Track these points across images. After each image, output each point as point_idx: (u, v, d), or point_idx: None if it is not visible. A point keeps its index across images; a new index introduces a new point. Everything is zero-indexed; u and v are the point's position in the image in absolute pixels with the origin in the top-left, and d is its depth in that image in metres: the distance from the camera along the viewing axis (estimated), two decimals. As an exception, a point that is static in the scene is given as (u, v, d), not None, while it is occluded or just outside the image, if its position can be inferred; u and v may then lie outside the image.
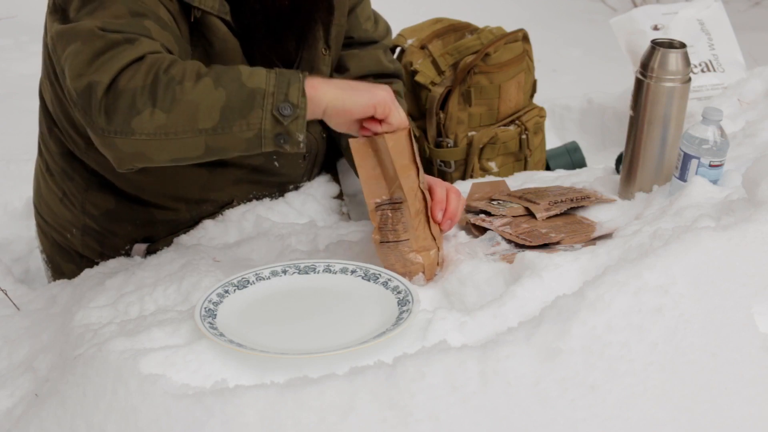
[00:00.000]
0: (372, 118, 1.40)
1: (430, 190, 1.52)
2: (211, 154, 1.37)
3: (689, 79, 1.63)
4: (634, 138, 1.68)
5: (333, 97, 1.39)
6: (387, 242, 1.45)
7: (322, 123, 1.87)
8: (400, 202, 1.42)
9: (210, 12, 1.55)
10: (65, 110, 1.68)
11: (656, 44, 1.62)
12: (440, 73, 2.15)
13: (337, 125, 1.43)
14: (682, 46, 1.61)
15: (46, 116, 1.76)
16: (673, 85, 1.61)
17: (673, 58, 1.60)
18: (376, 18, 1.99)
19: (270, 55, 1.65)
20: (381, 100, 1.38)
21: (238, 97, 1.33)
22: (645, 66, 1.62)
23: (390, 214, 1.43)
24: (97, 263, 1.80)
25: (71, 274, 1.82)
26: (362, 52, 1.93)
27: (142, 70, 1.35)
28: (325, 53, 1.76)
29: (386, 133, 1.40)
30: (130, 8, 1.43)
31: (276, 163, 1.83)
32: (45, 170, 1.84)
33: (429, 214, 1.48)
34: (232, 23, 1.58)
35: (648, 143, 1.66)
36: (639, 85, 1.64)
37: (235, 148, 1.37)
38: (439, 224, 1.50)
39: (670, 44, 1.61)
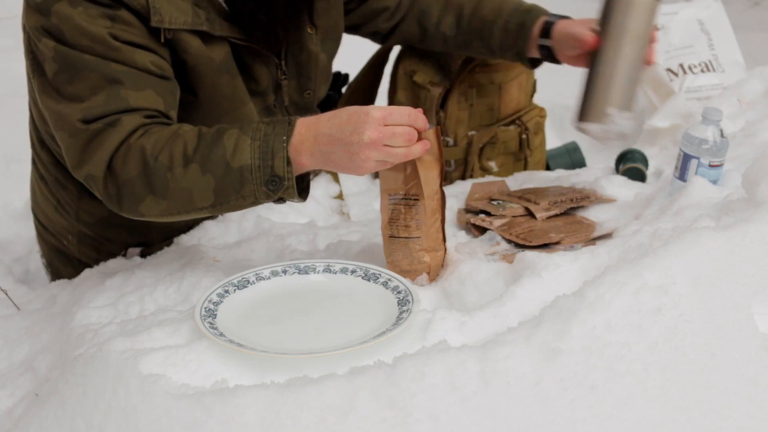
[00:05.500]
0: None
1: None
2: (220, 213, 1.47)
3: None
4: (602, 54, 1.60)
5: (321, 167, 1.38)
6: (397, 237, 1.44)
7: None
8: (416, 199, 1.41)
9: (182, 29, 1.50)
10: (49, 130, 1.69)
11: None
12: (445, 70, 2.14)
13: None
14: None
15: (36, 128, 1.77)
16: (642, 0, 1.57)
17: None
18: None
19: (258, 45, 1.62)
20: (365, 170, 1.35)
21: (227, 178, 1.37)
22: None
23: (403, 210, 1.42)
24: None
25: (70, 278, 1.83)
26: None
27: (131, 159, 1.40)
28: (311, 32, 1.73)
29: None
30: (105, 74, 1.42)
31: None
32: (39, 178, 1.84)
33: (443, 215, 1.47)
34: (208, 30, 1.53)
35: (617, 60, 1.59)
36: (608, 2, 1.59)
37: (239, 209, 1.43)
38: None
39: None
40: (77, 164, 1.45)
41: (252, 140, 1.36)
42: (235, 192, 1.37)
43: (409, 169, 1.40)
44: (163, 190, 1.39)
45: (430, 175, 1.40)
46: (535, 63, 1.93)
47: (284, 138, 1.35)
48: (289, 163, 1.35)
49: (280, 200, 1.40)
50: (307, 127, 1.36)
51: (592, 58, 1.64)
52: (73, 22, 1.41)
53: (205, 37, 1.54)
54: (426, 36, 2.00)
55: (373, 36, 2.05)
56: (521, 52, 1.89)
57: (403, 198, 1.42)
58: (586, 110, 1.62)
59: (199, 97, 1.59)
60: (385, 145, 1.32)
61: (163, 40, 1.48)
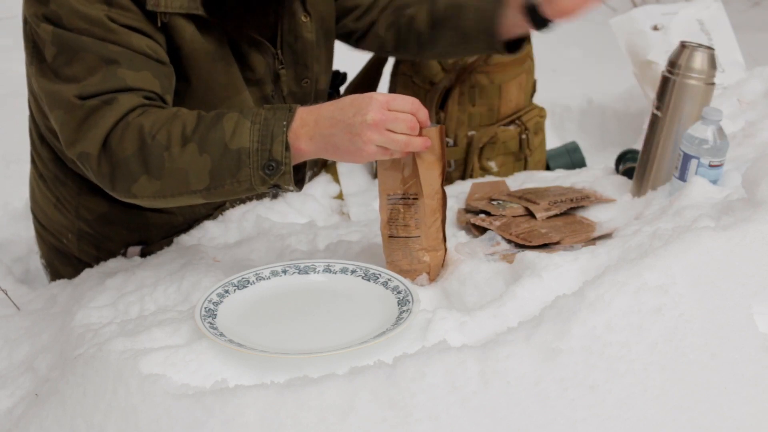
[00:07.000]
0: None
1: None
2: (213, 200, 1.43)
3: (713, 83, 1.65)
4: (655, 135, 1.70)
5: (320, 154, 1.37)
6: (396, 237, 1.44)
7: None
8: (415, 198, 1.41)
9: (177, 12, 1.51)
10: (49, 124, 1.69)
11: (685, 44, 1.66)
12: (444, 70, 2.14)
13: None
14: (710, 48, 1.65)
15: (35, 125, 1.77)
16: (698, 84, 1.64)
17: (700, 56, 1.63)
18: None
19: (250, 32, 1.63)
20: (364, 157, 1.34)
21: (224, 160, 1.36)
22: (672, 64, 1.66)
23: (402, 209, 1.42)
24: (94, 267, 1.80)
25: (70, 278, 1.83)
26: None
27: (129, 136, 1.40)
28: (305, 19, 1.73)
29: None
30: (103, 56, 1.44)
31: None
32: (38, 177, 1.84)
33: (444, 215, 1.46)
34: (205, 15, 1.54)
35: (668, 141, 1.68)
36: (665, 83, 1.67)
37: (233, 196, 1.41)
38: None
39: (699, 45, 1.65)
40: (72, 142, 1.44)
41: (252, 124, 1.36)
42: (231, 176, 1.37)
43: (408, 169, 1.40)
44: (159, 169, 1.38)
45: (431, 175, 1.40)
46: (511, 48, 1.82)
47: (284, 123, 1.35)
48: (287, 148, 1.34)
49: (275, 187, 1.39)
50: (308, 112, 1.36)
51: (649, 132, 1.72)
52: (71, 6, 1.43)
53: (200, 23, 1.55)
54: (399, 39, 1.93)
55: (346, 38, 2.00)
56: (494, 30, 1.79)
57: (402, 198, 1.41)
58: (640, 185, 1.75)
59: (193, 85, 1.59)
60: (388, 130, 1.31)
61: (159, 24, 1.50)
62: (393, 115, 1.32)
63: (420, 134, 1.35)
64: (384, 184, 1.42)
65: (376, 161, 1.41)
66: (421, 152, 1.37)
